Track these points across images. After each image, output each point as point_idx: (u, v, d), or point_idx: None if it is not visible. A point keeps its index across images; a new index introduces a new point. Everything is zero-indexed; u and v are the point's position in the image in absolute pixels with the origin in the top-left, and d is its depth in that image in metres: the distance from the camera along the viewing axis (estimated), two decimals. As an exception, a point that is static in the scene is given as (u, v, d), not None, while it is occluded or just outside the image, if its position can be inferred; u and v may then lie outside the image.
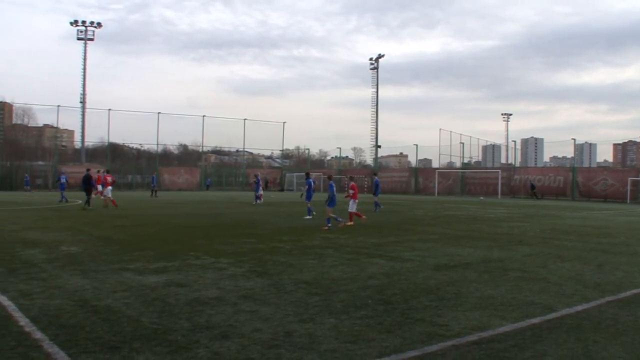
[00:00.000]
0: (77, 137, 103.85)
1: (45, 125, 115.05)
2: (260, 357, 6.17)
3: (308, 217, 27.03)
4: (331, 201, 22.70)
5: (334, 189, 23.47)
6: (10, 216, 26.90)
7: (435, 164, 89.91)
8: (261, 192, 40.91)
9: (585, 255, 14.85)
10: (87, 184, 33.14)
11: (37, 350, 6.37)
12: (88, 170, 35.24)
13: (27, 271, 11.58)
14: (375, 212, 32.88)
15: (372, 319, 7.86)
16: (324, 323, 7.58)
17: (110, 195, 34.63)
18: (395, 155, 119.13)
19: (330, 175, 25.69)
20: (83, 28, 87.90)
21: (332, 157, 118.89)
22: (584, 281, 11.07)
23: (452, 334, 7.14)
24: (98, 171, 47.28)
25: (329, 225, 22.13)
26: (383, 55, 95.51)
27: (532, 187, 63.58)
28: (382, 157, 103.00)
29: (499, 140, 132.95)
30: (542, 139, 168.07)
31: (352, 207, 24.84)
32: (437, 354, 6.39)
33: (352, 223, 24.01)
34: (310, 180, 27.70)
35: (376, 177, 36.80)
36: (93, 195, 33.91)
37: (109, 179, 36.24)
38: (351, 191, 25.46)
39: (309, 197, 27.69)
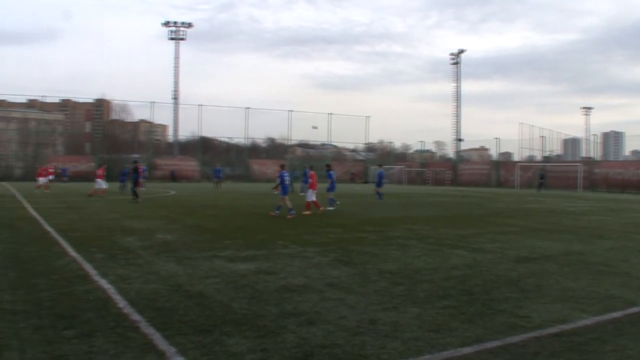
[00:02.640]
0: (170, 131, 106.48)
1: (141, 121, 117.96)
2: (345, 344, 6.33)
3: (331, 208, 27.16)
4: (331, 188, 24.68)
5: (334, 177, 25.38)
6: (109, 206, 27.81)
7: (516, 157, 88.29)
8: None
9: (670, 250, 14.51)
10: (136, 176, 32.50)
11: (135, 331, 6.74)
12: (135, 162, 35.37)
13: (126, 257, 12.11)
14: (377, 201, 33.03)
15: (455, 308, 7.94)
16: (407, 312, 7.71)
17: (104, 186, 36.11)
18: (476, 149, 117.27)
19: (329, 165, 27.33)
20: (174, 28, 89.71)
21: (415, 151, 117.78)
22: (668, 275, 10.86)
23: (533, 326, 7.16)
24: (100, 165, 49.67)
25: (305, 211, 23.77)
26: (464, 51, 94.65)
27: (541, 177, 61.60)
28: (463, 150, 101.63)
29: (580, 134, 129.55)
30: (622, 133, 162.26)
31: (311, 196, 24.92)
32: (517, 345, 6.44)
33: (309, 212, 24.20)
34: (332, 172, 28.08)
35: (381, 169, 36.56)
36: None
37: (100, 171, 37.84)
38: (310, 180, 25.70)
39: (332, 189, 28.28)
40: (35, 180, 42.77)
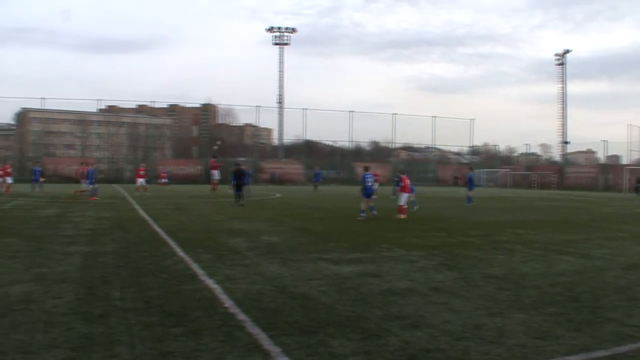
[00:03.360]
0: (275, 134, 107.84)
1: (246, 124, 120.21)
2: (449, 349, 6.28)
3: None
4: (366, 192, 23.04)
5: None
6: (215, 208, 28.40)
7: (624, 160, 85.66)
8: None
9: None
10: (240, 179, 31.74)
11: (240, 330, 6.86)
12: (238, 165, 34.40)
13: (232, 258, 12.34)
14: (466, 206, 32.21)
15: (561, 316, 7.76)
16: (512, 318, 7.58)
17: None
18: (583, 152, 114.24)
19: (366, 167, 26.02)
20: (279, 34, 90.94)
21: (520, 154, 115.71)
22: None
23: (644, 335, 6.92)
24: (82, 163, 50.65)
25: (363, 215, 22.75)
26: (570, 51, 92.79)
27: (638, 180, 58.76)
28: (569, 153, 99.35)
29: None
30: None
31: (404, 200, 24.28)
32: (627, 355, 6.25)
33: (404, 216, 23.61)
34: (317, 173, 27.98)
35: (471, 172, 36.03)
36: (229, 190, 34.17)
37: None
38: (401, 184, 25.20)
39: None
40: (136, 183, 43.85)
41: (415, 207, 27.95)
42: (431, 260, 12.44)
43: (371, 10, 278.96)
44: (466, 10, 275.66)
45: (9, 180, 41.59)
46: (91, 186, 33.10)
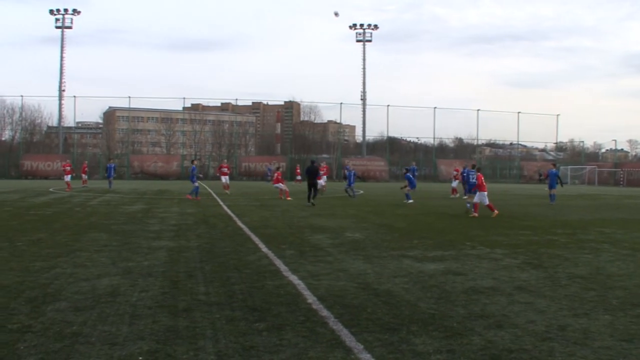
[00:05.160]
0: (358, 131, 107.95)
1: (329, 121, 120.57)
2: (533, 349, 6.17)
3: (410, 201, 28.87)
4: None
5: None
6: (299, 204, 28.57)
7: None
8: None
9: None
10: (312, 178, 29.51)
11: (323, 326, 6.87)
12: (313, 162, 31.48)
13: (315, 254, 12.44)
14: (550, 204, 30.94)
15: (650, 317, 7.55)
16: (598, 319, 7.41)
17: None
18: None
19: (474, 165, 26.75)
20: (361, 30, 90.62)
21: (607, 150, 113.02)
22: None
23: None
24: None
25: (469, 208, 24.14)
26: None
27: None
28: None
29: None
30: None
31: (480, 198, 23.30)
32: None
33: (476, 214, 22.84)
34: (412, 169, 28.23)
35: (554, 169, 34.22)
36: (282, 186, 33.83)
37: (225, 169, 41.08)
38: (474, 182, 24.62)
39: (412, 185, 30.23)
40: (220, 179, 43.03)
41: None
42: (515, 258, 12.29)
43: (453, 4, 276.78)
44: (550, 3, 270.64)
45: (84, 176, 43.08)
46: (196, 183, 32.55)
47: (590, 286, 9.52)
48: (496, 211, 22.99)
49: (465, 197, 29.07)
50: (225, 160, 52.37)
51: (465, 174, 29.05)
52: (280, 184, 33.87)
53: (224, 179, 40.70)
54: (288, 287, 9.03)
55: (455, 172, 36.99)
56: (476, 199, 23.39)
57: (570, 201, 35.25)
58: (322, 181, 34.08)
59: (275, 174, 35.13)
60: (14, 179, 69.26)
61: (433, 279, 9.87)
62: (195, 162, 36.02)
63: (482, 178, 23.66)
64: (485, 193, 23.24)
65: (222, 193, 37.21)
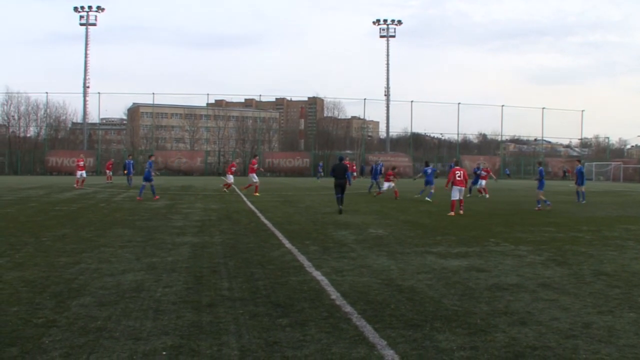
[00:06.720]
0: (381, 127, 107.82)
1: (353, 117, 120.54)
2: (557, 346, 6.15)
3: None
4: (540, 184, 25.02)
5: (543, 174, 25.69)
6: (323, 200, 28.79)
7: None
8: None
9: None
10: (340, 177, 29.53)
11: (346, 322, 6.90)
12: (342, 159, 31.07)
13: (339, 250, 12.47)
14: (577, 202, 29.73)
15: (676, 315, 7.49)
16: (623, 317, 7.37)
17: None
18: None
19: (540, 162, 27.59)
20: (384, 26, 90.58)
21: (632, 146, 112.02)
22: None
23: None
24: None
25: (539, 206, 24.81)
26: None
27: None
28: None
29: None
30: None
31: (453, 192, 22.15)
32: None
33: (452, 213, 21.54)
34: (427, 169, 28.51)
35: (580, 165, 32.71)
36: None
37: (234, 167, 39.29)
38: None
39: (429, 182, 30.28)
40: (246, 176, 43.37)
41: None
42: (540, 255, 12.25)
43: (477, 0, 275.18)
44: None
45: (83, 174, 42.49)
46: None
47: (615, 283, 9.46)
48: (453, 212, 21.60)
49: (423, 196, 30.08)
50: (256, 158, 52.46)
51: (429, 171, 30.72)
52: (253, 174, 34.36)
53: (230, 177, 40.76)
54: (312, 283, 9.05)
55: (484, 173, 35.40)
56: (453, 194, 22.17)
57: (595, 198, 34.93)
58: (386, 185, 33.15)
59: (251, 162, 35.80)
60: (40, 175, 69.95)
61: (457, 276, 9.86)
62: (152, 158, 33.85)
63: (458, 173, 22.59)
64: (461, 188, 22.40)
65: (250, 193, 37.08)
